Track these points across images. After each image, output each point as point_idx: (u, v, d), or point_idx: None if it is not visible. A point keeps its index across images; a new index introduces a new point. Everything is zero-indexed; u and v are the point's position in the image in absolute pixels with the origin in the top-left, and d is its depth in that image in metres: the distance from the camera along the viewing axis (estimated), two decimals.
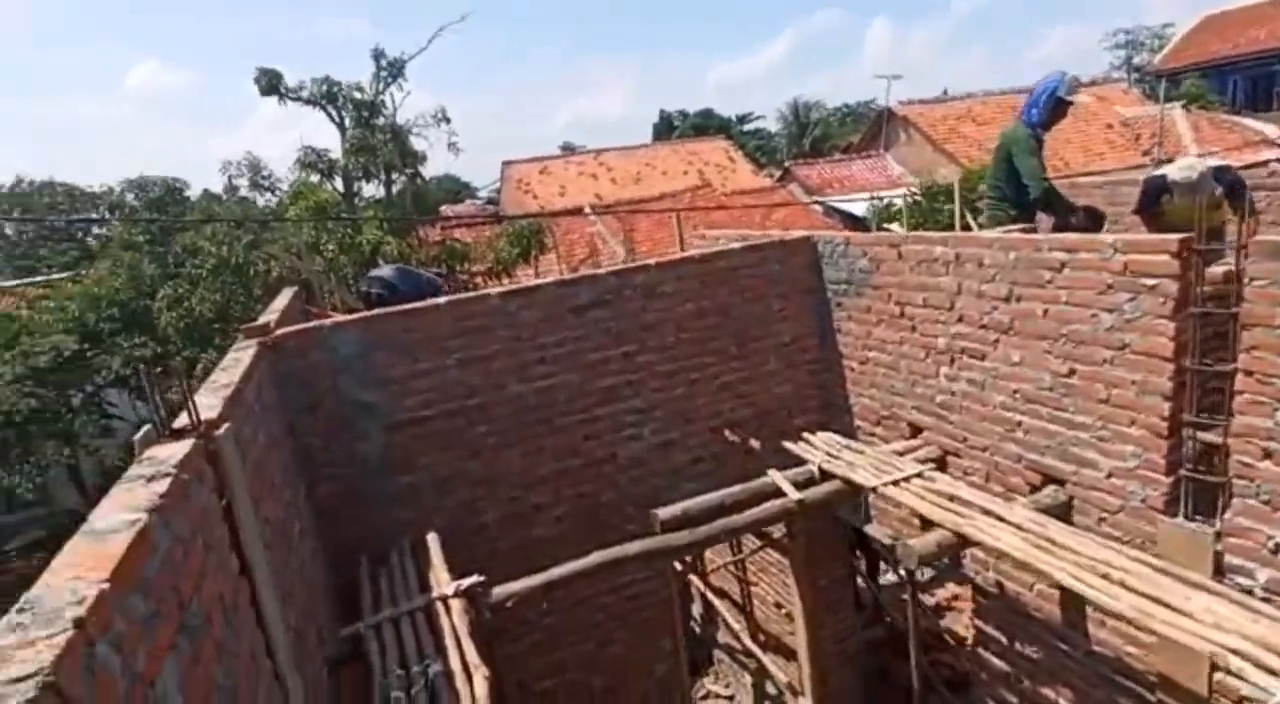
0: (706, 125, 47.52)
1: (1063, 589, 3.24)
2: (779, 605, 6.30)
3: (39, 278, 17.34)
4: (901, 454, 4.39)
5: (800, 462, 4.67)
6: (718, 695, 7.74)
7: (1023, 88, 26.18)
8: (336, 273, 10.70)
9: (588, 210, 19.65)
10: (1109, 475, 3.40)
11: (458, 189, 38.70)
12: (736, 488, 4.29)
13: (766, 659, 6.68)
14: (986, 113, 24.75)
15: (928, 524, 4.44)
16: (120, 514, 1.49)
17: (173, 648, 1.44)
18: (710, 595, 7.60)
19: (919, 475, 3.98)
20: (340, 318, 4.20)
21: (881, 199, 19.51)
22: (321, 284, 8.29)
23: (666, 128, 50.75)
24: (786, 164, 27.37)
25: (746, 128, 50.31)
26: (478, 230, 16.68)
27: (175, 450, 1.93)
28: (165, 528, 1.57)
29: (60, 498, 14.64)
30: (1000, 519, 3.38)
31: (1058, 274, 3.47)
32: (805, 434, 4.74)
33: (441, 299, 4.16)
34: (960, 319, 4.06)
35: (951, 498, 3.68)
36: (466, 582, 3.49)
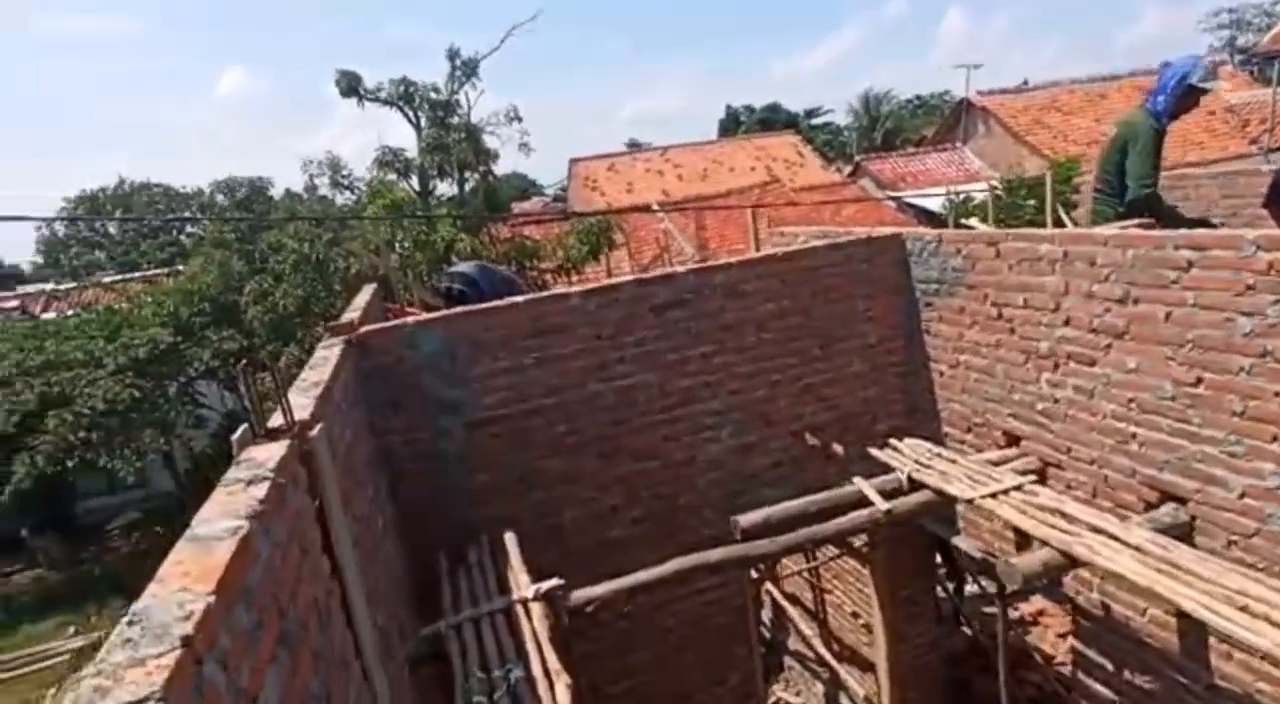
0: (773, 120, 46.87)
1: (1182, 616, 2.98)
2: (855, 615, 6.08)
3: (138, 274, 18.37)
4: (997, 464, 4.14)
5: (886, 469, 4.46)
6: (787, 703, 7.56)
7: (1114, 75, 24.89)
8: (412, 269, 10.92)
9: (655, 206, 19.58)
10: (1241, 495, 3.10)
11: (525, 186, 39.25)
12: (820, 495, 4.13)
13: (842, 670, 6.48)
14: (1073, 102, 23.57)
15: (1024, 538, 4.19)
16: (223, 521, 1.47)
17: (273, 660, 1.41)
18: (782, 601, 7.44)
19: (1018, 488, 3.73)
20: (423, 316, 4.23)
21: (959, 194, 18.77)
22: (398, 280, 8.46)
23: (733, 123, 50.29)
24: (857, 158, 26.64)
25: (815, 122, 49.36)
26: (546, 227, 16.83)
27: (272, 452, 1.92)
28: (265, 535, 1.54)
29: (156, 482, 15.51)
30: (1114, 539, 3.13)
31: (1184, 274, 3.18)
32: (892, 441, 4.53)
33: (520, 298, 4.13)
34: (1067, 322, 3.79)
35: (1057, 513, 3.44)
36: (546, 584, 3.45)
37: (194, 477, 13.52)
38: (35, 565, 14.19)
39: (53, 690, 10.46)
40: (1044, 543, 3.25)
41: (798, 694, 7.69)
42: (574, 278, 14.11)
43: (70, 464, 10.54)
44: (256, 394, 2.18)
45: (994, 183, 19.75)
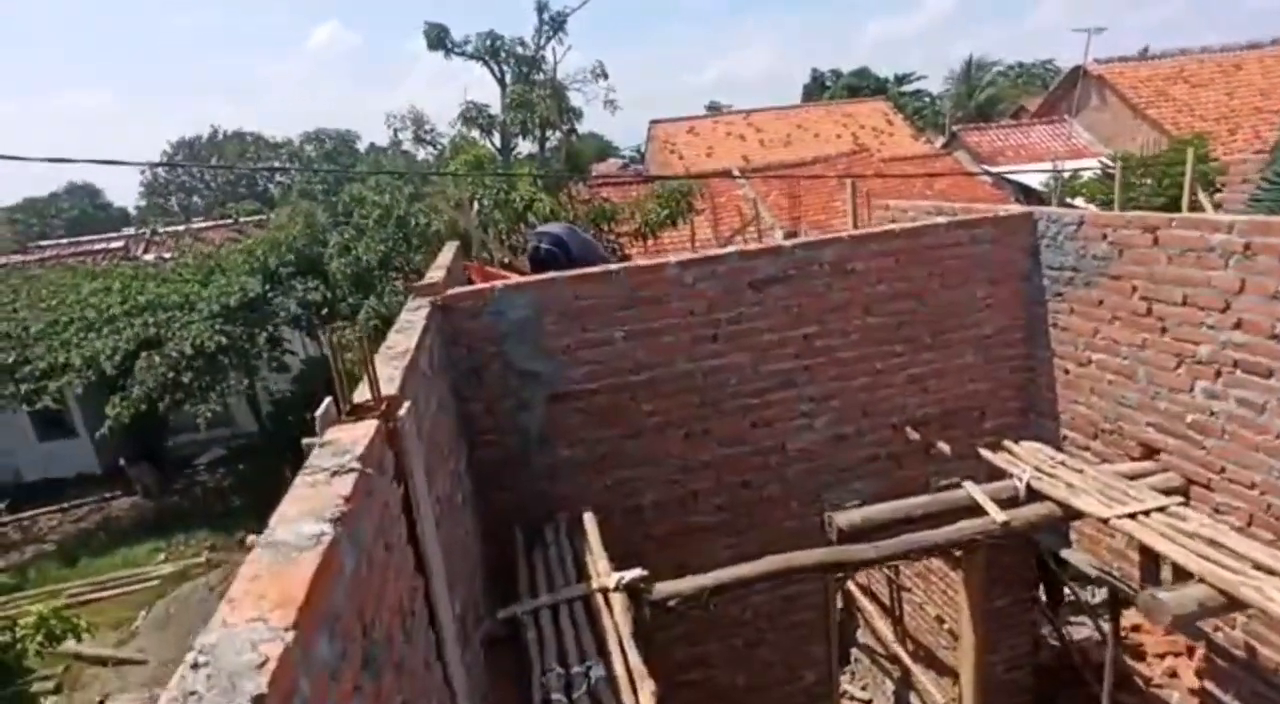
0: (861, 86, 44.87)
1: None
2: (940, 619, 5.72)
3: (229, 221, 18.99)
4: (1131, 479, 3.70)
5: (997, 473, 4.07)
6: (853, 698, 7.29)
7: (1253, 44, 22.53)
8: (493, 228, 10.82)
9: (735, 172, 18.95)
10: None
11: (603, 147, 38.83)
12: (925, 498, 3.78)
13: (917, 670, 6.15)
14: (1203, 73, 21.51)
15: (1150, 559, 3.75)
16: (305, 523, 1.28)
17: (356, 690, 1.21)
18: (855, 591, 7.11)
19: (1161, 510, 3.30)
20: (511, 279, 4.03)
21: (1064, 171, 17.47)
22: (479, 239, 8.34)
23: (818, 88, 48.45)
24: (954, 129, 25.17)
25: (905, 89, 46.95)
26: (624, 190, 16.48)
27: (357, 435, 1.72)
28: (351, 542, 1.35)
29: (241, 421, 16.19)
30: None
31: None
32: (1006, 443, 4.12)
33: (615, 265, 3.88)
34: (1238, 325, 3.29)
35: (1213, 544, 3.01)
36: (629, 575, 3.25)
37: (275, 418, 14.00)
38: (132, 493, 15.06)
39: (144, 612, 11.10)
40: (1200, 578, 2.84)
41: (864, 688, 7.40)
42: (648, 244, 13.79)
43: (163, 403, 10.98)
44: (340, 356, 1.98)
45: (1104, 160, 18.31)
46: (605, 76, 13.87)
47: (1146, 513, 3.27)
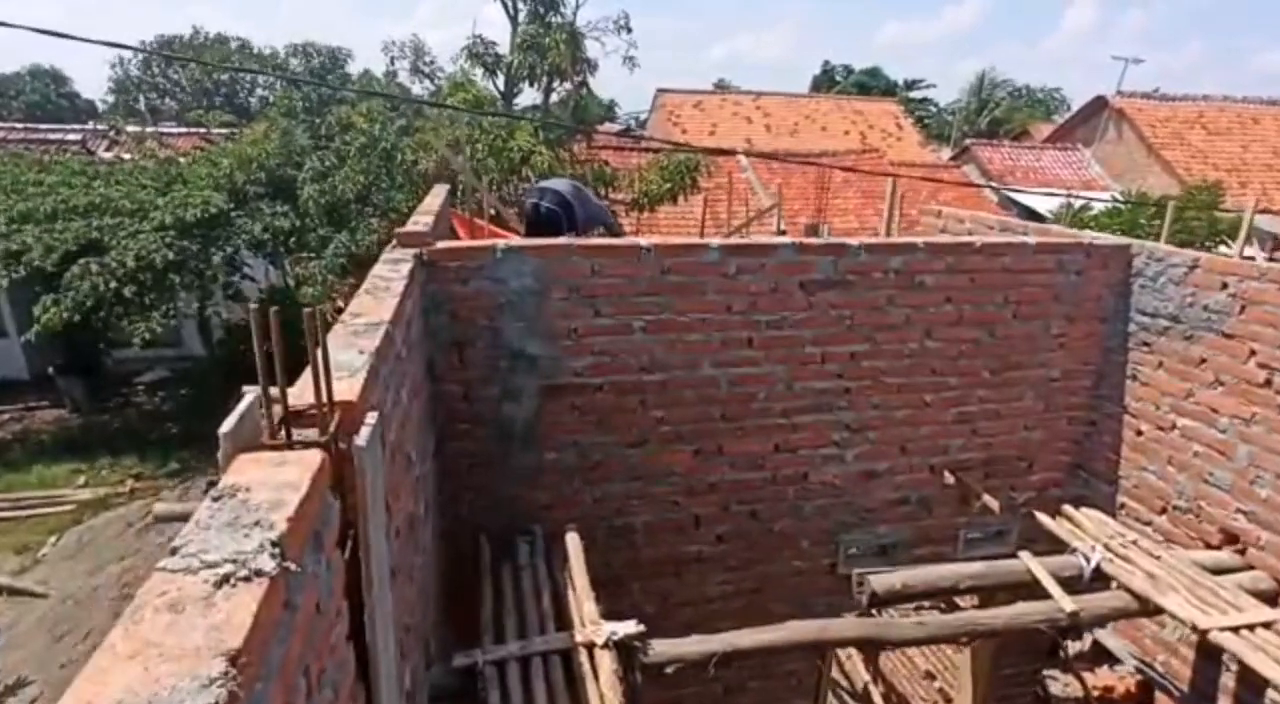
0: (871, 85, 44.42)
1: None
2: (930, 675, 5.22)
3: (201, 130, 17.65)
4: (1212, 572, 3.15)
5: (1056, 543, 3.50)
6: None
7: (1274, 100, 22.33)
8: (486, 176, 9.95)
9: (740, 155, 18.18)
10: None
11: (607, 108, 37.58)
12: (978, 566, 3.19)
13: None
14: (1222, 122, 21.27)
15: (1207, 655, 3.23)
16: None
17: None
18: None
19: (1269, 626, 2.75)
20: (515, 241, 3.30)
21: (1075, 200, 17.08)
22: (471, 185, 7.51)
23: (828, 81, 47.86)
24: (967, 142, 24.67)
25: (913, 95, 46.51)
26: (622, 156, 15.61)
27: (284, 480, 1.02)
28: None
29: (189, 343, 15.12)
30: None
31: None
32: (1067, 508, 3.55)
33: (645, 240, 3.17)
34: None
35: None
36: (622, 629, 2.60)
37: (226, 345, 13.00)
38: (60, 406, 13.97)
39: (53, 538, 10.21)
40: None
41: None
42: (642, 216, 13.00)
43: (98, 316, 9.98)
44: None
45: (1116, 195, 17.98)
46: (629, 30, 12.90)
47: (1251, 628, 2.71)
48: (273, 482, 1.03)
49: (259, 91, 23.84)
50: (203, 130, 18.09)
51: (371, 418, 1.34)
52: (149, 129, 16.97)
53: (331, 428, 1.22)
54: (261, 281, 13.92)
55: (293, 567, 0.89)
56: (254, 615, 0.77)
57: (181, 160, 12.90)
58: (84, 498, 11.13)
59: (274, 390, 1.26)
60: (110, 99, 28.26)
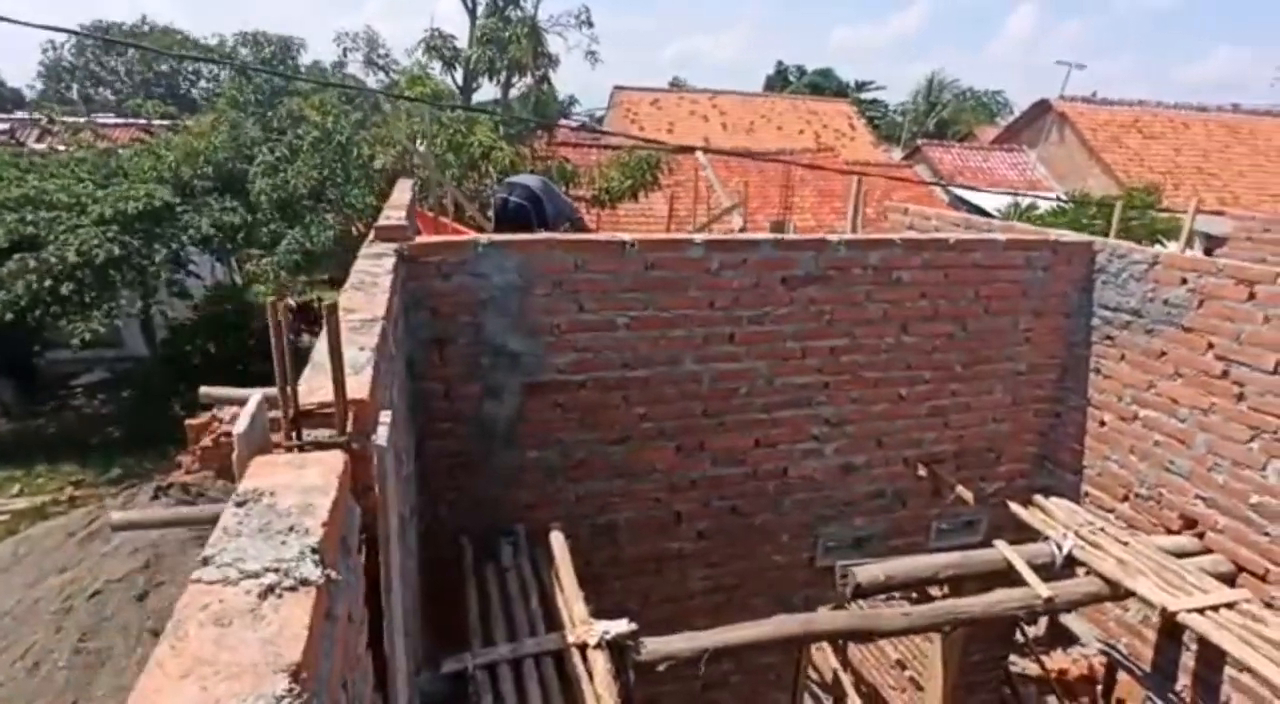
0: (823, 85, 45.06)
1: None
2: (901, 664, 5.32)
3: (139, 121, 16.90)
4: (1175, 555, 3.28)
5: (1026, 530, 3.60)
6: None
7: (1200, 106, 23.44)
8: (446, 171, 9.77)
9: (699, 152, 18.26)
10: None
11: (565, 103, 37.27)
12: (955, 556, 3.26)
13: None
14: (1156, 126, 22.17)
15: (1171, 635, 3.36)
16: None
17: None
18: None
19: (1231, 606, 2.87)
20: (497, 236, 3.24)
21: (1024, 199, 17.63)
22: (436, 180, 7.35)
23: (781, 81, 48.39)
24: (919, 142, 25.22)
25: (864, 96, 47.38)
26: (581, 152, 15.53)
27: (310, 483, 0.97)
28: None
29: (131, 344, 14.47)
30: None
31: None
32: (1038, 498, 3.65)
33: (628, 236, 3.14)
34: None
35: None
36: (614, 627, 2.57)
37: (171, 344, 12.49)
38: None
39: None
40: None
41: None
42: (603, 213, 12.94)
43: (34, 315, 9.48)
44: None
45: (1061, 196, 18.61)
46: (590, 24, 12.81)
47: (1215, 608, 2.82)
48: (298, 485, 0.98)
49: (202, 82, 22.98)
50: (142, 121, 17.34)
51: (385, 416, 1.29)
52: (84, 119, 16.21)
53: (349, 423, 1.17)
54: (207, 278, 13.42)
55: (334, 574, 0.84)
56: (308, 627, 0.72)
57: (121, 152, 12.35)
58: (19, 507, 10.56)
59: (271, 391, 1.20)
60: (39, 86, 26.89)
